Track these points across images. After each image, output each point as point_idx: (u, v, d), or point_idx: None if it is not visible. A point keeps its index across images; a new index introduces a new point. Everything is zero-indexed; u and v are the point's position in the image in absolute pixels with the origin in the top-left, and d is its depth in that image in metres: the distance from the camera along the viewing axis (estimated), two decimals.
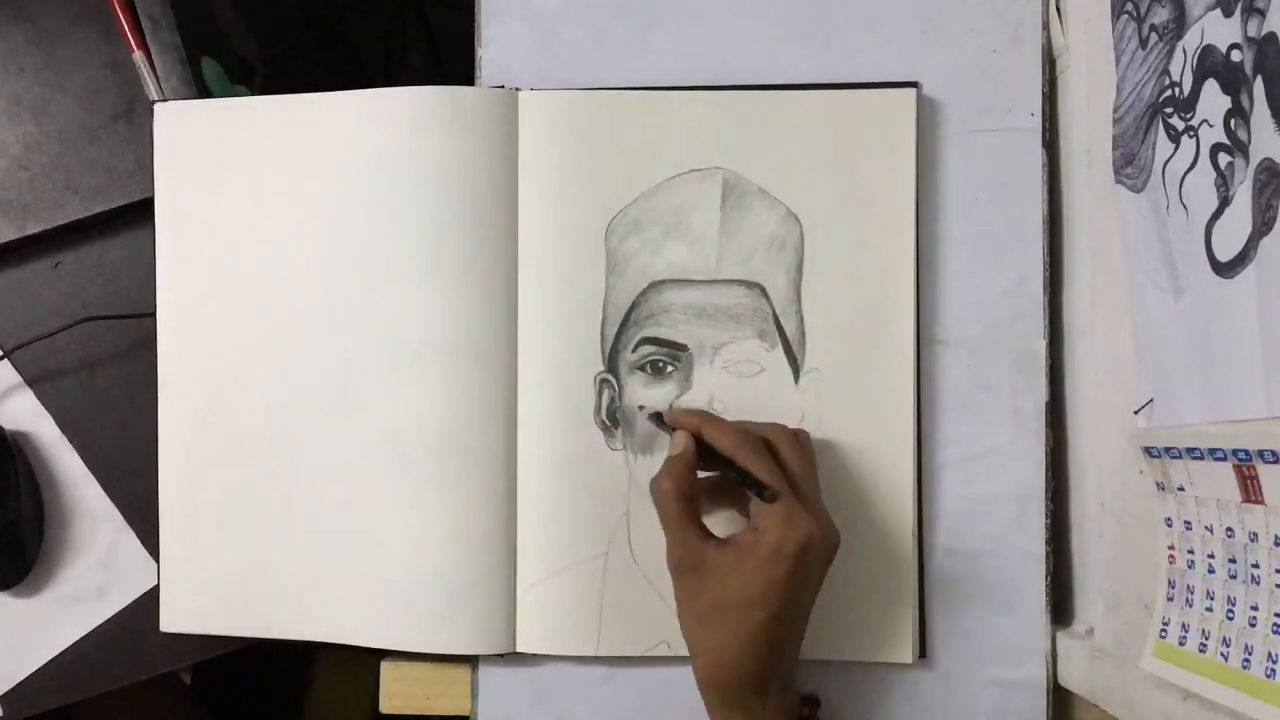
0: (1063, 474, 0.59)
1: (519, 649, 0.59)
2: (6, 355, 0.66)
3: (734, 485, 0.54)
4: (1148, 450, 0.49)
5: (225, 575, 0.61)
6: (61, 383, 0.67)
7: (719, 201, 0.58)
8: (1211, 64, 0.44)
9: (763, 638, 0.49)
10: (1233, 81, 0.42)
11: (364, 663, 0.62)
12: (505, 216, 0.59)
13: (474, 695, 0.61)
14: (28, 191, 0.66)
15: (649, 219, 0.58)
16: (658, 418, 0.57)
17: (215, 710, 0.99)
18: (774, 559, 0.49)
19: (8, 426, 0.67)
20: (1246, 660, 0.43)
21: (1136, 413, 0.50)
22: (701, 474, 0.54)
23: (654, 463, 0.58)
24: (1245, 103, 0.41)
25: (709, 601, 0.50)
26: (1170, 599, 0.48)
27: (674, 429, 0.55)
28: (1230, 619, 0.44)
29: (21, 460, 0.66)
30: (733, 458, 0.52)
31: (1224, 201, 0.43)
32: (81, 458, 0.67)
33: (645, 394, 0.58)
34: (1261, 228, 0.41)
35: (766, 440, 0.54)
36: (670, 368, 0.58)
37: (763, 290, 0.58)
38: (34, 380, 0.67)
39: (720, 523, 0.55)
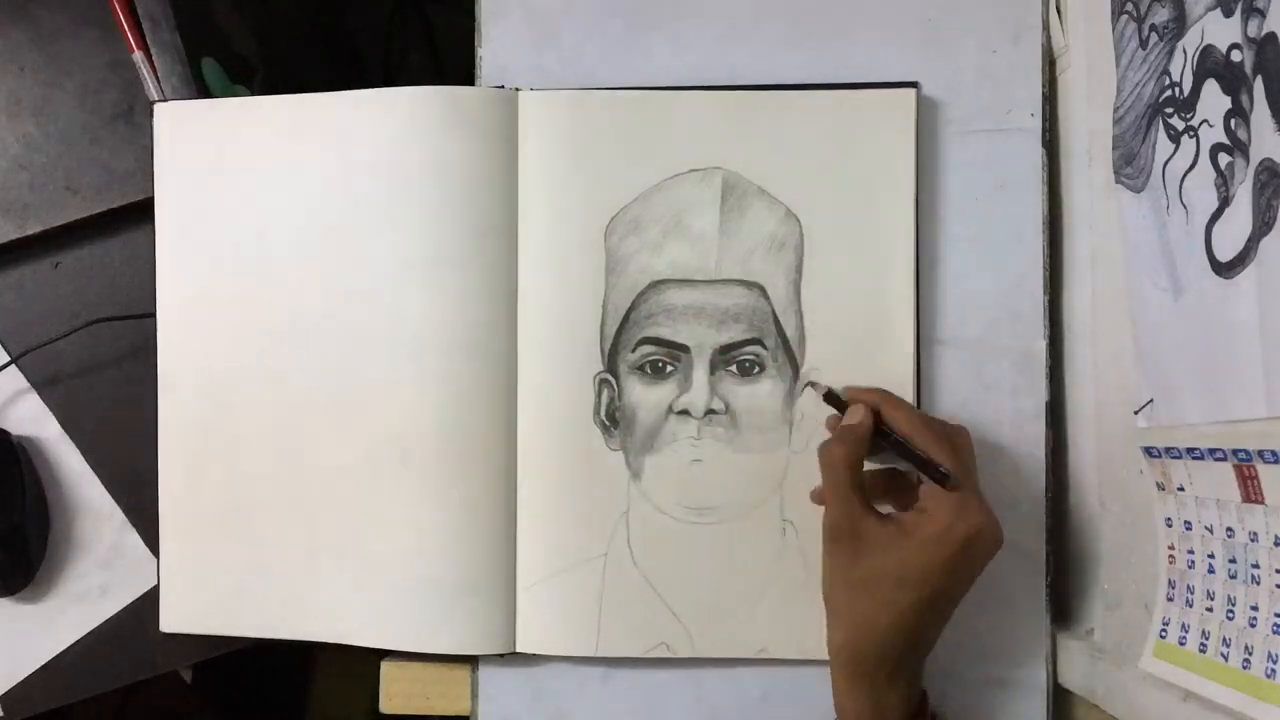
0: (1063, 474, 0.59)
1: (519, 649, 0.59)
2: (14, 361, 0.66)
3: (891, 479, 0.54)
4: (1148, 450, 0.49)
5: (225, 575, 0.61)
6: (64, 382, 0.67)
7: (719, 201, 0.58)
8: (1212, 64, 0.44)
9: (910, 620, 0.49)
10: (1233, 81, 0.42)
11: (364, 663, 0.62)
12: (505, 216, 0.59)
13: (474, 695, 0.61)
14: (28, 191, 0.66)
15: (649, 219, 0.58)
16: (831, 395, 0.55)
17: (217, 710, 0.99)
18: (939, 542, 0.49)
19: (13, 431, 0.66)
20: (1247, 660, 0.43)
21: (1136, 413, 0.50)
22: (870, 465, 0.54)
23: (654, 461, 0.58)
24: (1245, 103, 0.41)
25: (862, 573, 0.50)
26: (1170, 599, 0.48)
27: (849, 403, 0.54)
28: (1230, 619, 0.44)
29: (27, 465, 0.66)
30: (910, 440, 0.51)
31: (1224, 201, 0.43)
32: (84, 457, 0.67)
33: (644, 394, 0.58)
34: (1261, 228, 0.41)
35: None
36: (670, 368, 0.58)
37: (762, 290, 0.58)
38: (37, 380, 0.67)
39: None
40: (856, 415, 0.53)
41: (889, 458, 0.54)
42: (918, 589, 0.49)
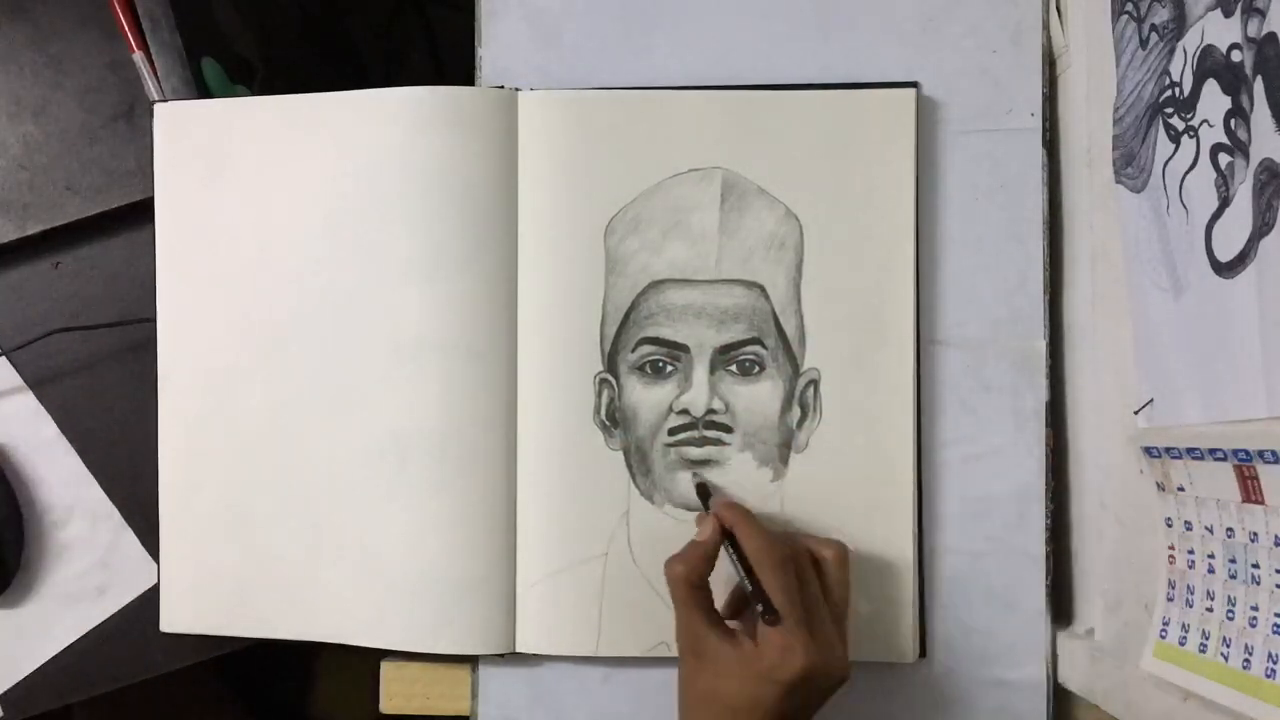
0: (1063, 474, 0.59)
1: (519, 649, 0.59)
2: (5, 354, 0.66)
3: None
4: (1148, 450, 0.49)
5: (225, 575, 0.61)
6: (61, 383, 0.67)
7: (719, 201, 0.58)
8: (1212, 64, 0.44)
9: None
10: (1233, 81, 0.42)
11: (364, 663, 0.62)
12: (505, 216, 0.59)
13: (474, 695, 0.61)
14: (28, 191, 0.66)
15: (649, 219, 0.58)
16: (702, 489, 0.56)
17: (223, 707, 0.99)
18: (766, 680, 0.48)
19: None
20: (1247, 660, 0.43)
21: (1136, 413, 0.50)
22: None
23: (654, 462, 0.58)
24: (1245, 103, 0.41)
25: (702, 690, 0.51)
26: (1170, 599, 0.48)
27: (711, 514, 0.54)
28: (1230, 619, 0.44)
29: (5, 467, 0.66)
30: (752, 568, 0.51)
31: (1224, 201, 0.43)
32: (81, 458, 0.67)
33: (645, 394, 0.58)
34: (1261, 228, 0.41)
35: (801, 555, 0.52)
36: (670, 368, 0.58)
37: (762, 290, 0.58)
38: (33, 380, 0.67)
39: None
40: (705, 532, 0.52)
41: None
42: (748, 718, 0.49)
